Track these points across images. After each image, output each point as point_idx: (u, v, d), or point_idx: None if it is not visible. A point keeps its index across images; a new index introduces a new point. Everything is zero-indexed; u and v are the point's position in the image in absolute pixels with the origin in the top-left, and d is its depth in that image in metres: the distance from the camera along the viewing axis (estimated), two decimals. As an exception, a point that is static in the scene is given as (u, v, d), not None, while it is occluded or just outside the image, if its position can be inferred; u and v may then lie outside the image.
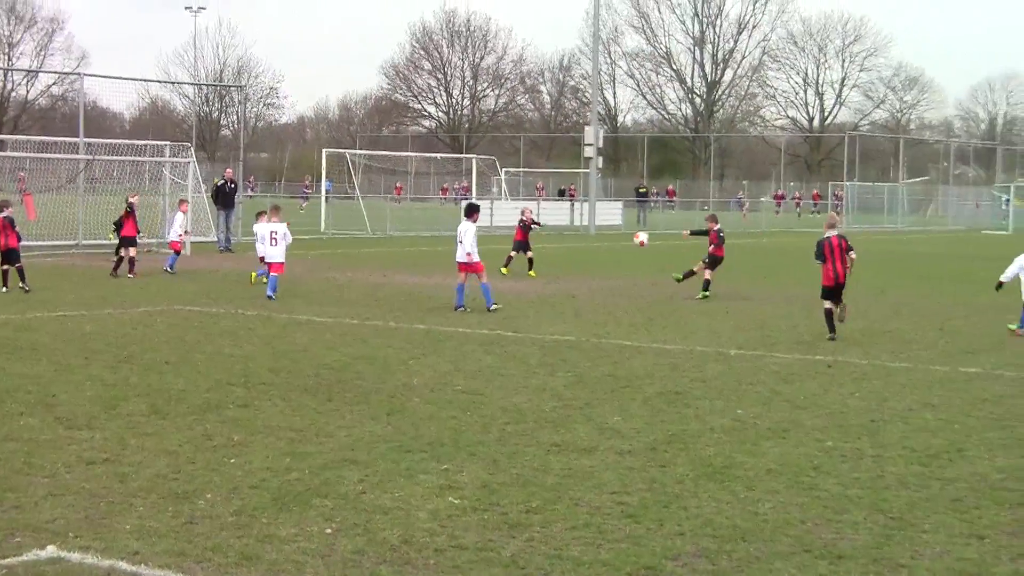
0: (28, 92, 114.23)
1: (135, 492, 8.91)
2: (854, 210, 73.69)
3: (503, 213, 51.48)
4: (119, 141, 45.41)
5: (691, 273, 25.05)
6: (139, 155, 41.91)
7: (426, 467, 9.81)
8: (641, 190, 73.38)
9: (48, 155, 40.30)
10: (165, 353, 15.59)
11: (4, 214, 23.51)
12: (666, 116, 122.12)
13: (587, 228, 56.27)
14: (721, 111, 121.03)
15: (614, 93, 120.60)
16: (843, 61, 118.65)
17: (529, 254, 29.86)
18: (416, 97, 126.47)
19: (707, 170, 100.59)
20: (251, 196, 66.68)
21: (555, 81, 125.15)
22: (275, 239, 23.53)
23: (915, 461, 10.38)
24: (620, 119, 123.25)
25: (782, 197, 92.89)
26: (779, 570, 7.55)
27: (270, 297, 22.36)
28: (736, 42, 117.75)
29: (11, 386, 13.00)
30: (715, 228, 25.24)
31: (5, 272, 23.08)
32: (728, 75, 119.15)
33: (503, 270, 29.14)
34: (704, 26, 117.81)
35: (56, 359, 14.92)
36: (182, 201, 31.75)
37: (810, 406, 12.80)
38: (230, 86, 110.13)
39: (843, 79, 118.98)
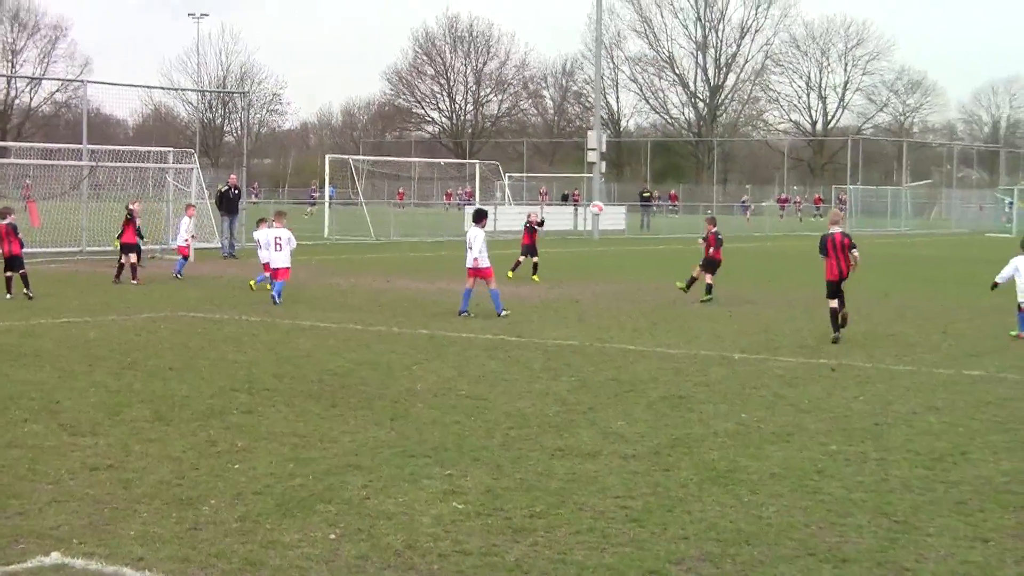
0: (32, 99, 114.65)
1: (139, 498, 8.91)
2: (857, 213, 73.66)
3: (507, 219, 51.50)
4: (123, 148, 45.50)
5: (693, 280, 24.93)
6: (143, 161, 41.96)
7: (430, 472, 9.81)
8: (645, 194, 73.41)
9: (52, 162, 40.38)
10: (169, 359, 15.60)
11: (7, 221, 23.56)
12: (669, 120, 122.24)
13: (590, 233, 56.29)
14: (724, 115, 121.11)
15: (617, 98, 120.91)
16: (846, 65, 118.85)
17: (535, 259, 29.92)
18: (419, 102, 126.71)
19: (710, 174, 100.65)
20: (255, 202, 66.75)
21: (558, 86, 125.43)
22: (279, 244, 23.58)
23: (919, 464, 10.37)
24: (623, 123, 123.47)
25: (786, 201, 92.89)
26: (783, 574, 7.54)
27: (275, 302, 22.37)
28: (739, 46, 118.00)
29: (15, 392, 13.01)
30: (713, 230, 25.16)
31: (9, 278, 23.11)
32: (731, 79, 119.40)
33: (509, 274, 29.20)
34: (706, 30, 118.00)
35: (60, 365, 14.93)
36: (189, 206, 31.76)
37: (814, 410, 12.79)
38: (233, 92, 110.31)
39: (846, 83, 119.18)
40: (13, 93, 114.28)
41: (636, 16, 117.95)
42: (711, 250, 24.86)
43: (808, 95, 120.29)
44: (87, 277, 28.71)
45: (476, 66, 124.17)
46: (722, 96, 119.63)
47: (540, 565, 7.61)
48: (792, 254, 43.36)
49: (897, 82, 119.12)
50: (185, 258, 28.97)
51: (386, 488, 9.30)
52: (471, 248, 21.25)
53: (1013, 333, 19.09)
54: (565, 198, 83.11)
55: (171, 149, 43.05)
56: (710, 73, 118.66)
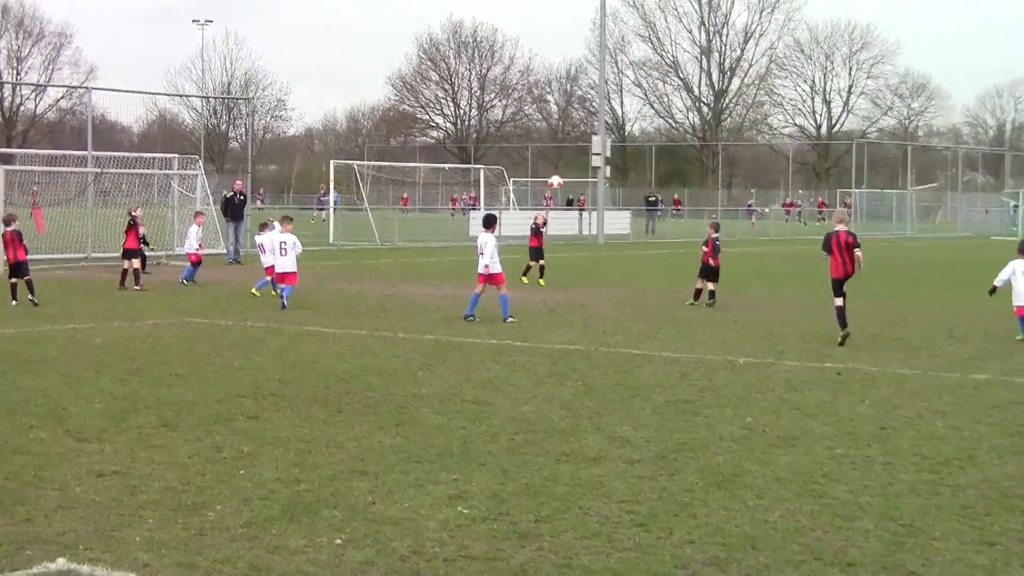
0: (37, 106, 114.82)
1: (145, 504, 8.92)
2: (863, 217, 73.61)
3: (512, 224, 51.50)
4: (127, 154, 45.52)
5: (699, 292, 24.70)
6: (147, 168, 42.02)
7: (435, 477, 9.81)
8: (651, 199, 73.42)
9: (57, 168, 40.44)
10: (174, 365, 15.61)
11: (12, 227, 23.58)
12: (674, 125, 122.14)
13: (595, 237, 56.29)
14: (729, 119, 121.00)
15: (621, 102, 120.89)
16: (850, 69, 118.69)
17: (541, 262, 29.95)
18: (424, 108, 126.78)
19: (715, 179, 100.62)
20: (260, 208, 66.75)
21: (562, 91, 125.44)
22: (284, 249, 23.61)
23: (925, 468, 10.36)
24: (628, 128, 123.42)
25: (791, 205, 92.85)
26: (789, 578, 7.54)
27: (283, 306, 22.39)
28: (743, 50, 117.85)
29: (21, 399, 13.03)
30: (714, 236, 24.94)
31: (14, 285, 23.13)
32: (735, 83, 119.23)
33: (523, 279, 29.24)
34: (711, 35, 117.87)
35: (66, 372, 14.94)
36: (198, 214, 31.77)
37: (820, 414, 12.78)
38: (238, 98, 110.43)
39: (850, 86, 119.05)
40: (18, 100, 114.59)
41: (640, 21, 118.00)
42: (709, 258, 24.58)
43: (812, 99, 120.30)
44: (92, 284, 28.74)
45: (480, 71, 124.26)
46: (726, 100, 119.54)
47: (546, 570, 7.60)
48: (797, 258, 43.31)
49: (902, 86, 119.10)
50: (194, 265, 28.93)
51: (392, 493, 9.30)
52: (482, 254, 21.14)
53: (1019, 337, 19.06)
54: (570, 203, 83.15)
55: (176, 155, 43.12)
56: (714, 77, 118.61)
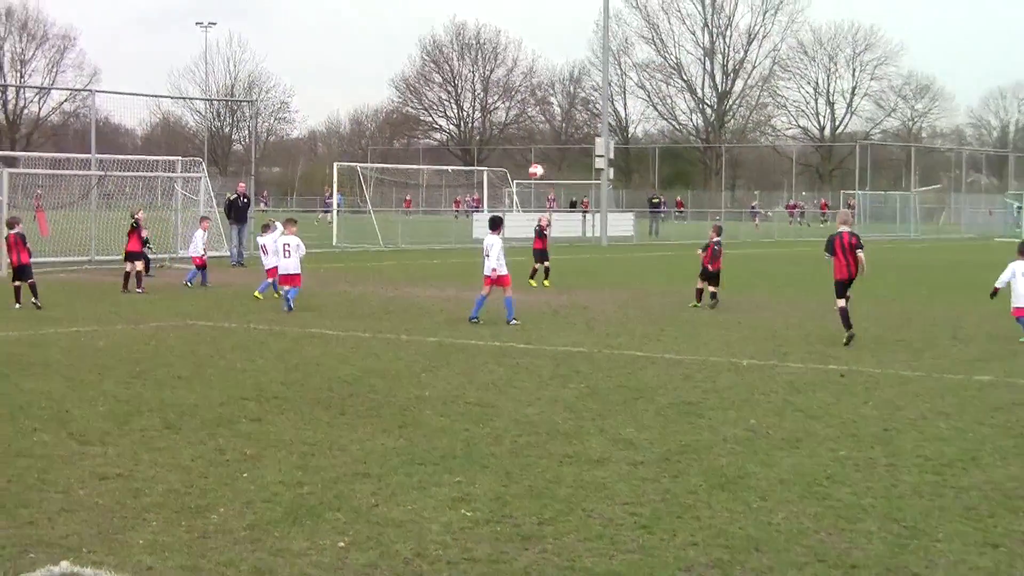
0: (40, 109, 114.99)
1: (148, 507, 8.92)
2: (866, 219, 73.59)
3: (515, 226, 51.47)
4: (131, 157, 45.58)
5: (700, 292, 24.66)
6: (151, 170, 42.06)
7: (438, 480, 9.81)
8: (655, 200, 73.41)
9: (61, 171, 40.48)
10: (177, 368, 15.62)
11: (15, 230, 23.60)
12: (677, 127, 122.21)
13: (599, 239, 56.29)
14: (732, 121, 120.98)
15: (625, 104, 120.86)
16: (853, 70, 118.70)
17: (546, 264, 29.96)
18: (427, 110, 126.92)
19: (719, 181, 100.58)
20: (264, 210, 66.83)
21: (565, 93, 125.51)
22: (288, 251, 23.64)
23: (929, 470, 10.35)
24: (631, 130, 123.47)
25: (795, 206, 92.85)
26: (793, 580, 7.53)
27: (288, 308, 22.39)
28: (746, 52, 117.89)
29: (24, 402, 13.04)
30: (715, 239, 24.86)
31: (17, 288, 23.15)
32: (739, 85, 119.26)
33: (531, 282, 29.24)
34: (714, 36, 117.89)
35: (69, 375, 14.95)
36: (204, 219, 31.77)
37: (823, 415, 12.77)
38: (241, 101, 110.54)
39: (854, 88, 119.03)
40: (22, 103, 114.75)
41: (643, 23, 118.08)
42: (708, 262, 24.46)
43: (816, 101, 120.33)
44: (96, 286, 28.76)
45: (483, 73, 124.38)
46: (730, 102, 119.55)
47: (549, 572, 7.60)
48: (800, 259, 43.29)
49: (905, 87, 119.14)
50: (199, 268, 28.91)
51: (395, 496, 9.30)
52: (488, 256, 21.09)
53: (1023, 339, 19.03)
54: (573, 205, 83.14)
55: (179, 158, 43.18)
56: (718, 79, 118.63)
